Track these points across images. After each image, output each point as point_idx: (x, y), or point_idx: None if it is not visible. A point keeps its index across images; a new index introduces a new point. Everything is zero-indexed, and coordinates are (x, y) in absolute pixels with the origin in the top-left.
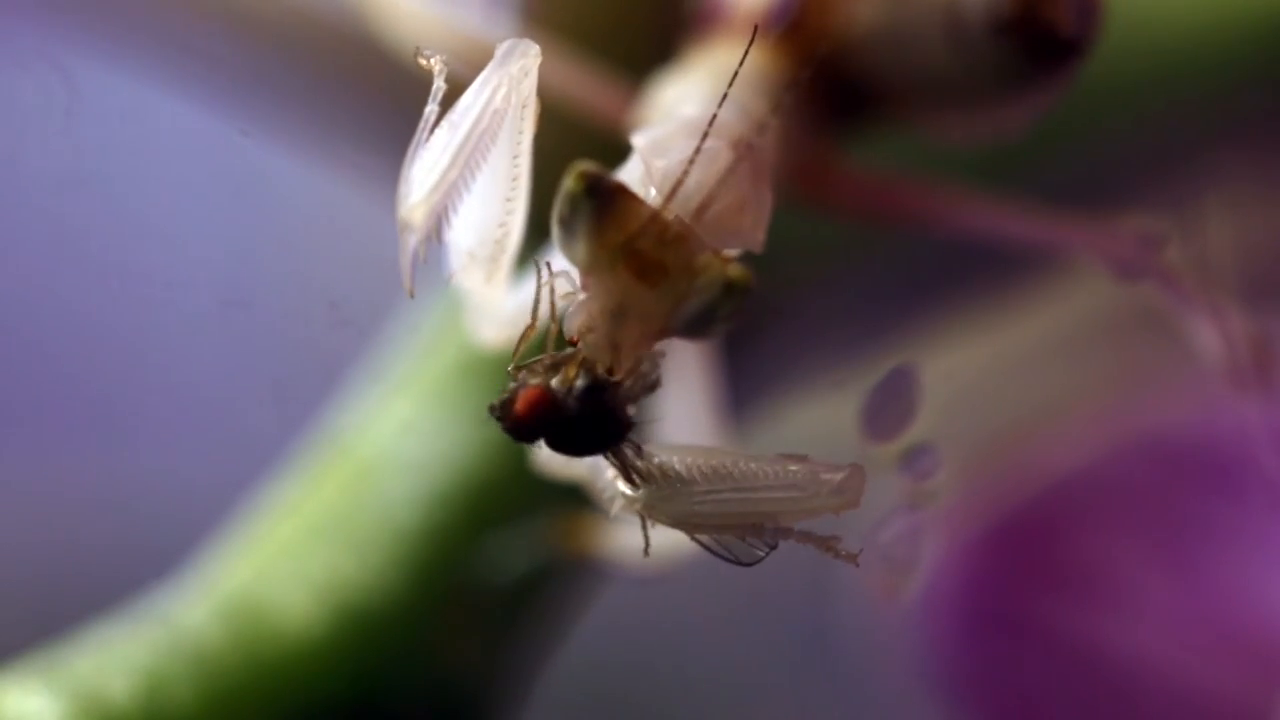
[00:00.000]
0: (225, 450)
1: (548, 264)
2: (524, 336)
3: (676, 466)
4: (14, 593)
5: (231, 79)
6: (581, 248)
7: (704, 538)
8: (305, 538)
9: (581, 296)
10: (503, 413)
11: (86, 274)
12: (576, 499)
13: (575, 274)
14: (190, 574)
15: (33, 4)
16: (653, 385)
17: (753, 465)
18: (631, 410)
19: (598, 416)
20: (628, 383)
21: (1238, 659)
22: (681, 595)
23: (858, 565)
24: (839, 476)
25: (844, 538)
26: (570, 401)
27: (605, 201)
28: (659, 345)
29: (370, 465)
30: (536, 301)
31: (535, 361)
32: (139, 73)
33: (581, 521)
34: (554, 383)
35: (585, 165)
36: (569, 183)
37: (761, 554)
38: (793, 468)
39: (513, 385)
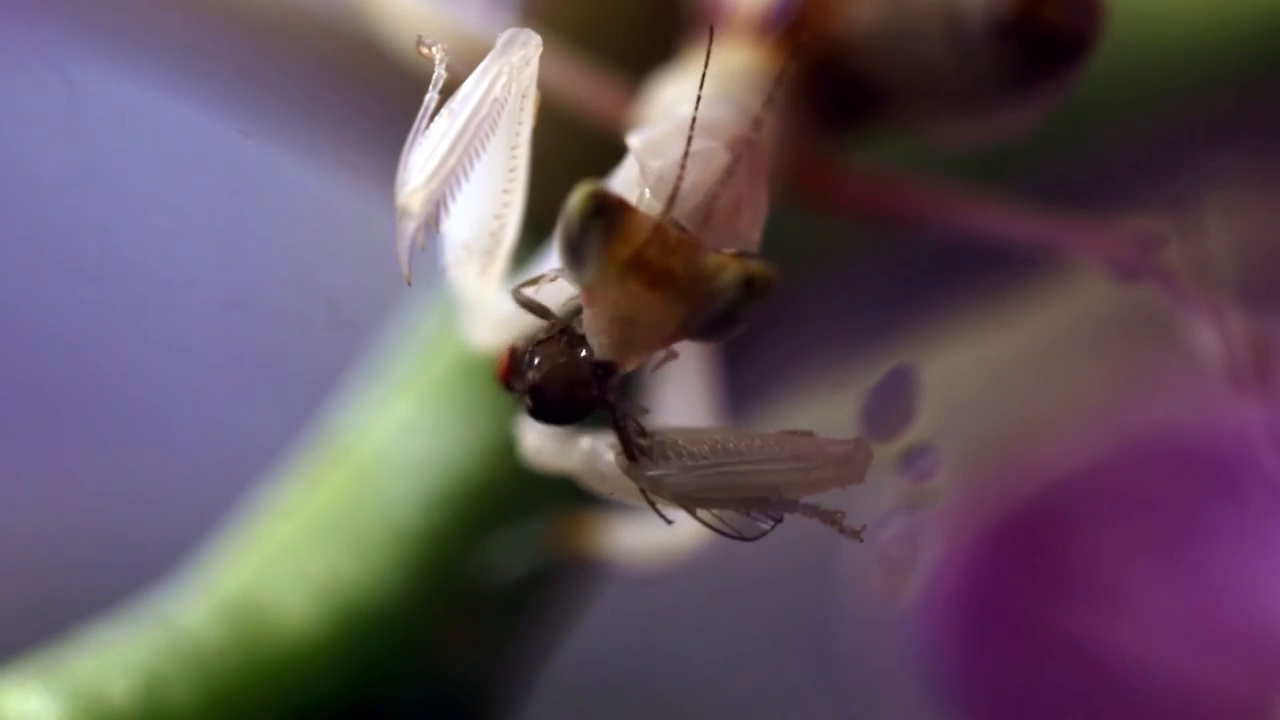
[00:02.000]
0: (225, 450)
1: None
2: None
3: (680, 442)
4: (14, 593)
5: (231, 79)
6: (592, 266)
7: (706, 515)
8: (305, 538)
9: (587, 314)
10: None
11: (86, 274)
12: (576, 499)
13: (578, 287)
14: (190, 574)
15: (32, 4)
16: (621, 381)
17: (757, 440)
18: (598, 387)
19: (562, 385)
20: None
21: (1238, 659)
22: (681, 595)
23: (861, 541)
24: (844, 449)
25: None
26: (536, 365)
27: (612, 219)
28: (669, 348)
29: (370, 466)
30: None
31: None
32: (139, 73)
33: (581, 521)
34: (530, 345)
35: (591, 185)
36: (578, 203)
37: (766, 527)
38: (798, 441)
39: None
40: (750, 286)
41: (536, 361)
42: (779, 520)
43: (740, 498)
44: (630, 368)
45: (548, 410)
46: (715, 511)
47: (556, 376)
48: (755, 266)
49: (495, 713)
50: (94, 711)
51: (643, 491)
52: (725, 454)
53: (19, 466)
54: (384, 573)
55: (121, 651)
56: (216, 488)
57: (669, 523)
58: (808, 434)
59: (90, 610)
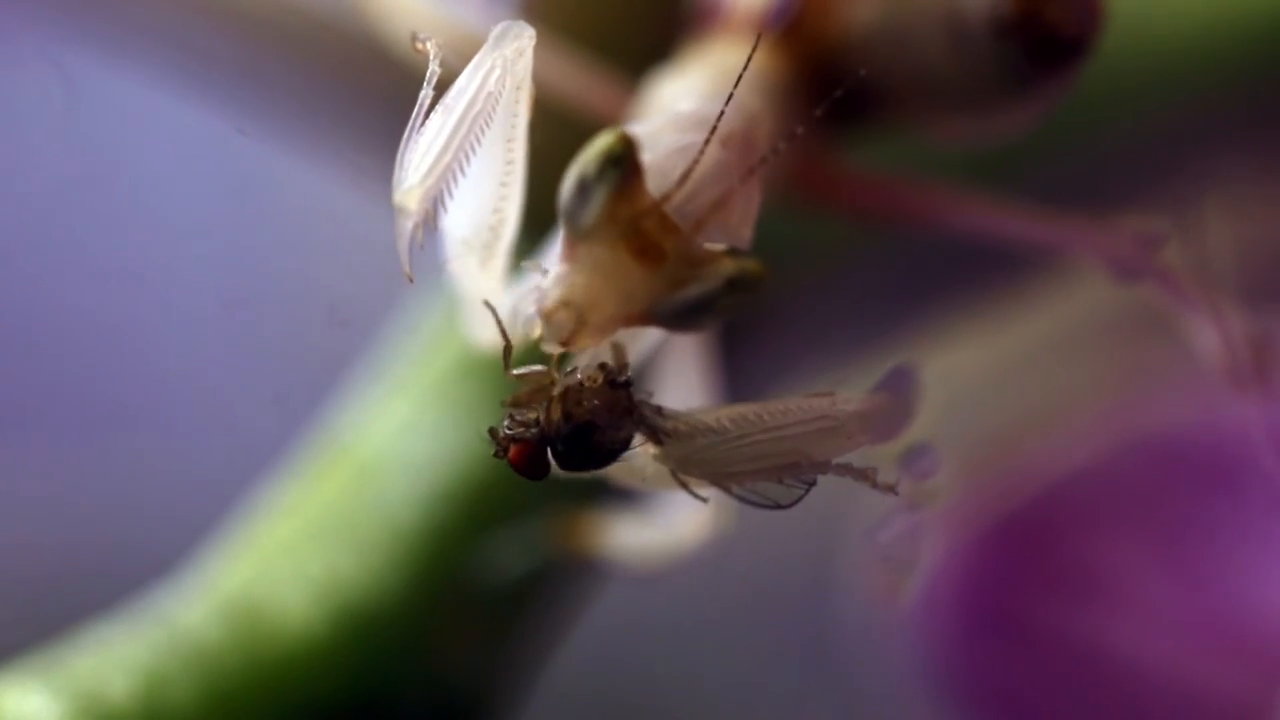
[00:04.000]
0: (225, 450)
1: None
2: (506, 352)
3: (704, 419)
4: (14, 593)
5: (231, 79)
6: (591, 213)
7: (738, 490)
8: (305, 538)
9: (563, 269)
10: (501, 455)
11: (86, 274)
12: (576, 499)
13: (560, 248)
14: (190, 574)
15: (33, 4)
16: (625, 382)
17: (779, 406)
18: (618, 435)
19: (586, 452)
20: (607, 400)
21: (1238, 659)
22: (681, 595)
23: (896, 494)
24: (871, 404)
25: (844, 534)
26: (560, 446)
27: (630, 172)
28: (623, 335)
29: (370, 465)
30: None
31: (530, 376)
32: (139, 73)
33: (581, 521)
34: (543, 422)
35: (625, 131)
36: (606, 142)
37: (801, 492)
38: (821, 401)
39: (505, 429)
40: (732, 284)
41: (563, 435)
42: (812, 483)
43: (771, 465)
44: (593, 334)
45: (601, 461)
46: (747, 484)
47: (599, 435)
48: (748, 265)
49: (495, 713)
50: (94, 711)
51: (674, 474)
52: (750, 424)
53: (19, 466)
54: (384, 573)
55: (121, 651)
56: (216, 488)
57: (704, 500)
58: (829, 394)
59: (90, 610)
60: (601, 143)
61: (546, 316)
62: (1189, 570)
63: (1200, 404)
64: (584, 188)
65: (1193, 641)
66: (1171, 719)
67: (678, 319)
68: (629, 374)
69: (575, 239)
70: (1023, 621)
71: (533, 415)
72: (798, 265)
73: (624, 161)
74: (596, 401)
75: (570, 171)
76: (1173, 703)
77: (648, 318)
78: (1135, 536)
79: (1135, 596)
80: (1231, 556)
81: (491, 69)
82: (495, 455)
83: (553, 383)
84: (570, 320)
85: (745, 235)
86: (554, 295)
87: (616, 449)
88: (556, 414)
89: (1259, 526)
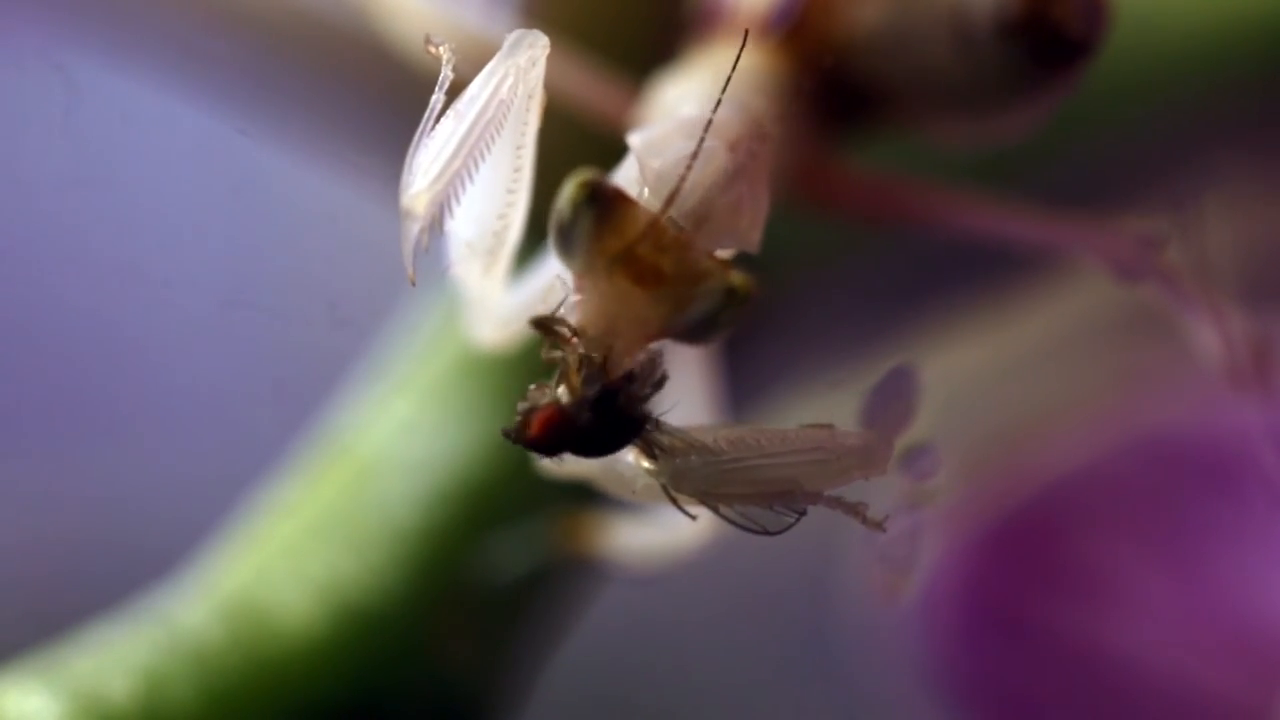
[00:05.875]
0: (225, 450)
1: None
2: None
3: (701, 438)
4: (14, 593)
5: (231, 79)
6: (580, 254)
7: (728, 511)
8: (305, 538)
9: (576, 299)
10: (519, 436)
11: (87, 274)
12: (576, 499)
13: (570, 278)
14: (190, 574)
15: (33, 4)
16: (659, 381)
17: (777, 433)
18: (643, 407)
19: (612, 422)
20: (635, 382)
21: (1238, 659)
22: (681, 595)
23: (885, 531)
24: (866, 440)
25: (845, 534)
26: (583, 415)
27: (605, 208)
28: (654, 345)
29: (370, 465)
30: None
31: (555, 354)
32: (139, 73)
33: (581, 521)
34: (563, 396)
35: (587, 173)
36: (570, 190)
37: (791, 520)
38: (819, 433)
39: (523, 406)
40: (730, 296)
41: (578, 411)
42: (803, 513)
43: (763, 491)
44: (621, 359)
45: (603, 448)
46: (738, 507)
47: (608, 415)
48: (737, 277)
49: (495, 713)
50: (94, 711)
51: (665, 489)
52: (746, 448)
53: (19, 466)
54: (384, 572)
55: (121, 651)
56: (216, 488)
57: (693, 518)
58: (828, 426)
59: (90, 610)
60: (568, 190)
61: (578, 339)
62: (1189, 570)
63: (1200, 404)
64: (565, 233)
65: (1192, 641)
66: (1171, 719)
67: (690, 335)
68: (660, 371)
69: (578, 276)
70: (1023, 621)
71: (549, 392)
72: (798, 266)
73: (597, 200)
74: (621, 368)
75: (551, 218)
76: (1173, 703)
77: (667, 334)
78: (1135, 536)
79: (1135, 597)
80: (1231, 556)
81: (505, 77)
82: (512, 435)
83: (572, 350)
84: (597, 345)
85: (755, 239)
86: (574, 325)
87: (635, 426)
88: (577, 379)
89: (1259, 526)
